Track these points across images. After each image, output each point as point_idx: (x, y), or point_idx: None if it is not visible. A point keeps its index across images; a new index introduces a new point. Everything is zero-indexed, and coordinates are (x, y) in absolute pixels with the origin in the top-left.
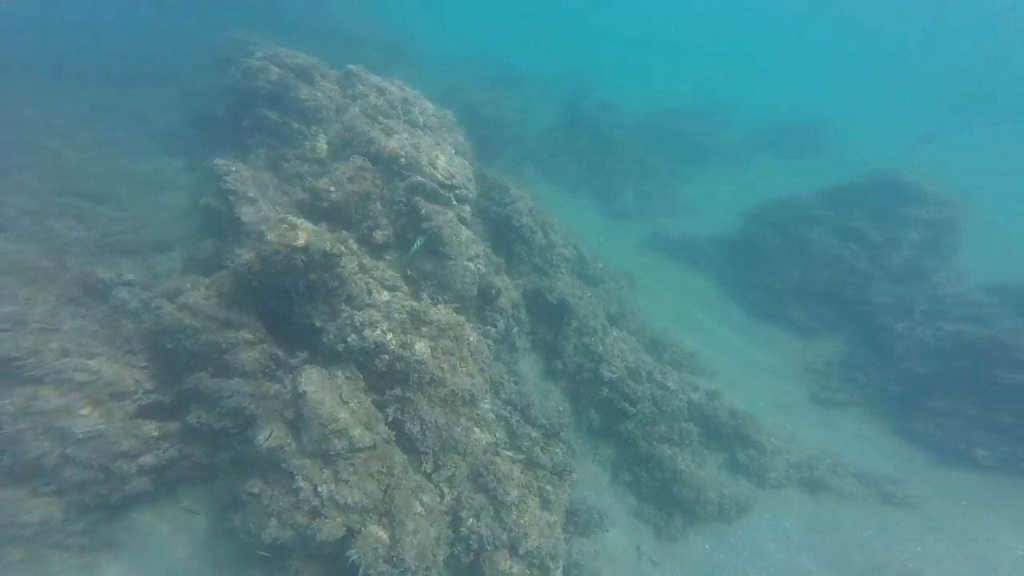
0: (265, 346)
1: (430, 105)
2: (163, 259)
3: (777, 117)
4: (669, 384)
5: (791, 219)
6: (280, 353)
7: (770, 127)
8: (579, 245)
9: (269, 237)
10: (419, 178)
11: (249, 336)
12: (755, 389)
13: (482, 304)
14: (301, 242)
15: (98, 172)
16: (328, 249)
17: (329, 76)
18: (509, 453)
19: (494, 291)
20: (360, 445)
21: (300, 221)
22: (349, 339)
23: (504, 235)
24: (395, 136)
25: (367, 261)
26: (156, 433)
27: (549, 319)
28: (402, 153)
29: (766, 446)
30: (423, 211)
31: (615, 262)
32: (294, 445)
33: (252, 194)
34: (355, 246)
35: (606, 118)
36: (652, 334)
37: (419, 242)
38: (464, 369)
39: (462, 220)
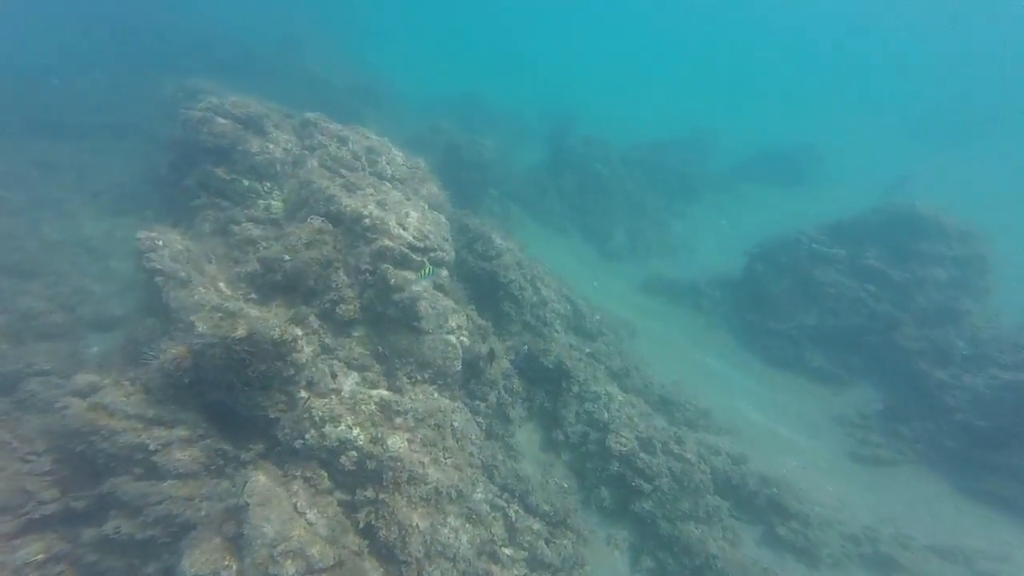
0: (208, 442)
1: (400, 154)
2: (102, 339)
3: (760, 144)
4: (688, 455)
5: (798, 258)
6: (228, 448)
7: (755, 155)
8: (573, 296)
9: (200, 328)
10: (386, 242)
11: (186, 433)
12: (784, 447)
13: (469, 377)
14: (241, 332)
15: (31, 241)
16: (277, 337)
17: (283, 126)
18: (508, 551)
19: (482, 362)
20: (320, 565)
21: (240, 306)
22: (307, 436)
23: (490, 293)
24: (358, 192)
25: (331, 340)
26: (40, 556)
27: (546, 383)
28: (366, 213)
29: (811, 517)
30: (392, 281)
31: (613, 308)
32: (234, 569)
33: (184, 273)
34: (316, 322)
35: (591, 153)
36: (661, 391)
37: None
38: (449, 460)
39: (439, 287)
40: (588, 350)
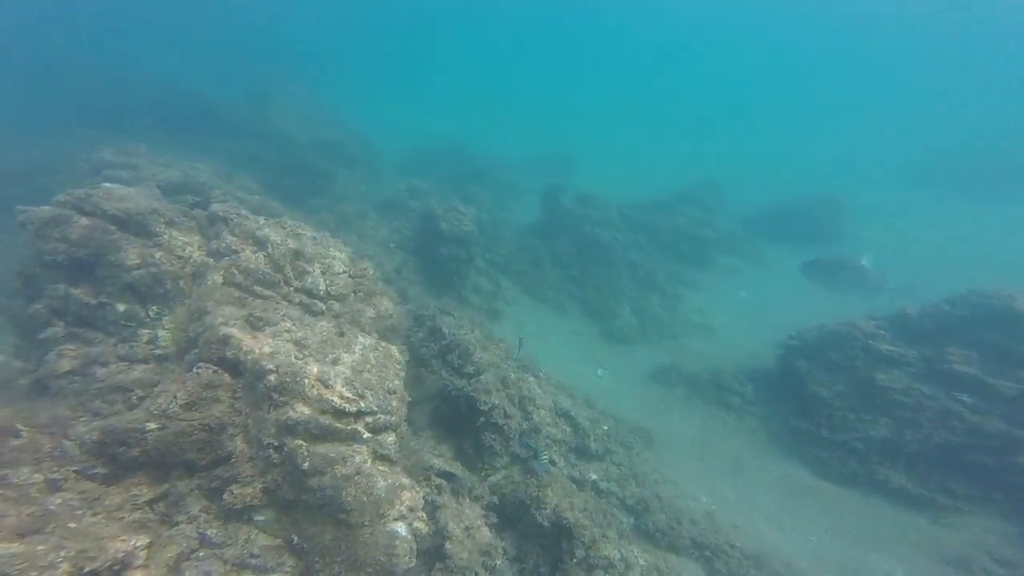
0: None
1: (341, 256)
2: None
3: (771, 194)
4: None
5: (853, 357)
6: None
7: (768, 208)
8: (574, 408)
9: None
10: (299, 408)
11: None
12: None
13: (424, 568)
14: None
15: None
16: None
17: (181, 224)
18: None
19: (445, 549)
20: None
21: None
22: None
23: (468, 422)
24: (268, 329)
25: (216, 531)
26: None
27: (540, 540)
28: (271, 366)
29: None
30: (305, 464)
31: (622, 406)
32: None
33: None
34: (196, 508)
35: (589, 215)
36: (691, 531)
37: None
38: None
39: (382, 456)
40: (594, 477)
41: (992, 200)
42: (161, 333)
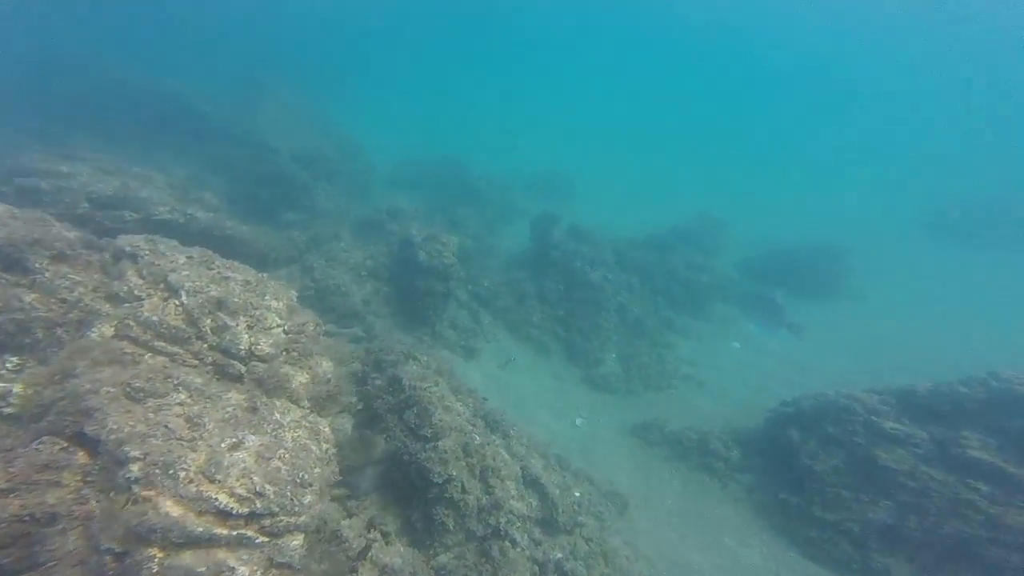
0: None
1: (279, 307)
2: None
3: (771, 236)
4: None
5: (853, 432)
6: None
7: (768, 253)
8: (545, 477)
9: None
10: (165, 511)
11: None
12: None
13: None
14: None
15: None
16: None
17: (75, 258)
18: None
19: None
20: None
21: None
22: None
23: (420, 493)
24: (150, 402)
25: None
26: None
27: None
28: (138, 453)
29: None
30: None
31: (599, 466)
32: None
33: None
34: None
35: (580, 251)
36: None
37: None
38: None
39: (281, 564)
40: (559, 555)
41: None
42: (16, 388)
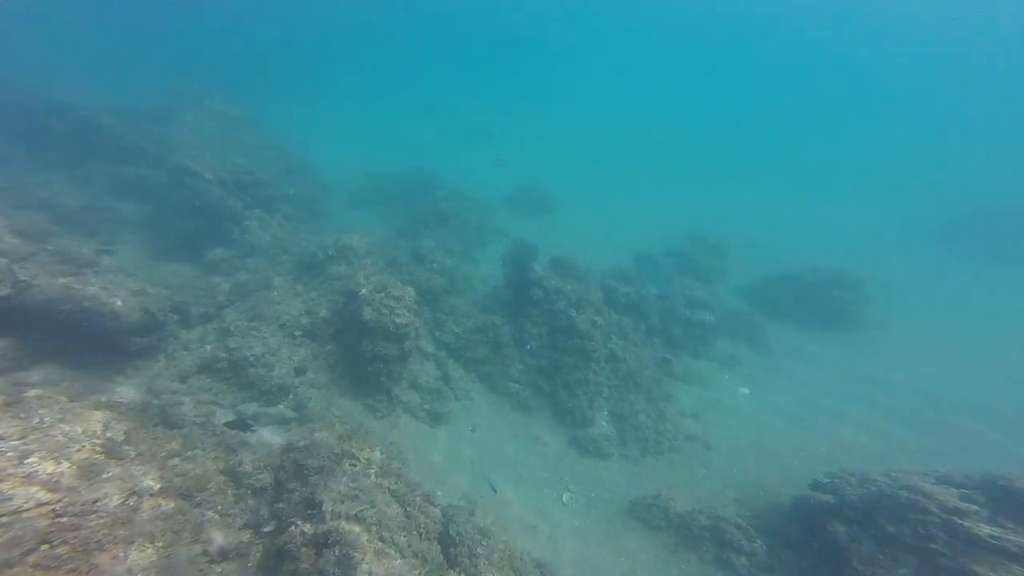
0: None
1: (52, 471)
2: None
3: (775, 258)
4: None
5: (927, 537)
6: None
7: (775, 278)
8: None
9: None
10: None
11: None
12: None
13: None
14: None
15: None
16: None
17: None
18: None
19: None
20: None
21: None
22: None
23: None
24: None
25: None
26: None
27: None
28: None
29: None
30: None
31: (590, 563)
32: None
33: None
34: None
35: (563, 289)
36: None
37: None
38: None
39: None
40: None
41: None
42: None
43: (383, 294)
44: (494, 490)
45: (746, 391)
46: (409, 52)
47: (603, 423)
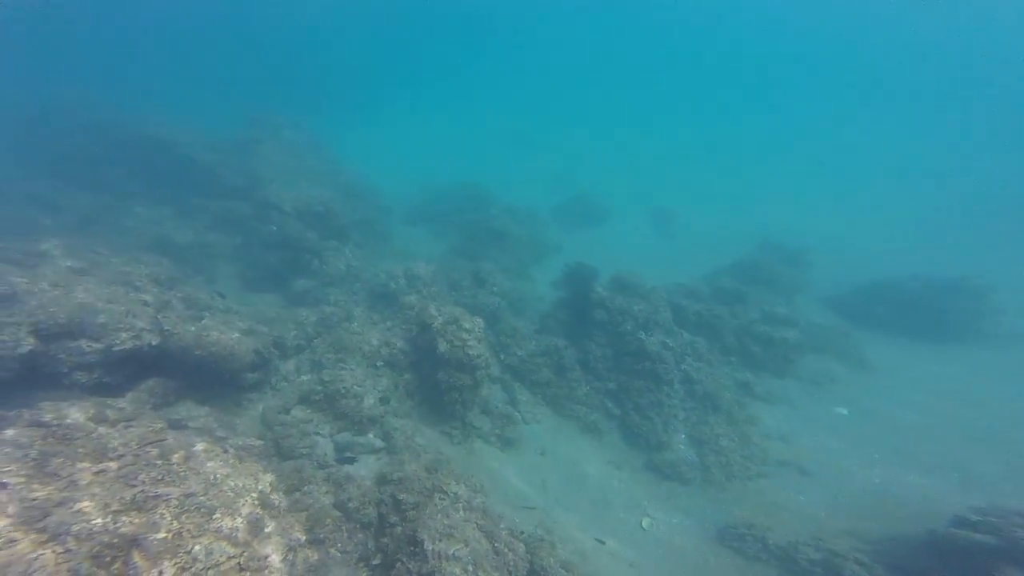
0: None
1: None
2: None
3: (865, 263)
4: None
5: None
6: None
7: (867, 287)
8: None
9: None
10: None
11: None
12: None
13: None
14: None
15: None
16: None
17: None
18: None
19: None
20: None
21: None
22: None
23: None
24: None
25: None
26: None
27: None
28: None
29: None
30: None
31: None
32: None
33: None
34: None
35: (629, 311)
36: None
37: None
38: None
39: None
40: None
41: None
42: None
43: (455, 326)
44: (602, 542)
45: (844, 411)
46: (448, 62)
47: (681, 446)
